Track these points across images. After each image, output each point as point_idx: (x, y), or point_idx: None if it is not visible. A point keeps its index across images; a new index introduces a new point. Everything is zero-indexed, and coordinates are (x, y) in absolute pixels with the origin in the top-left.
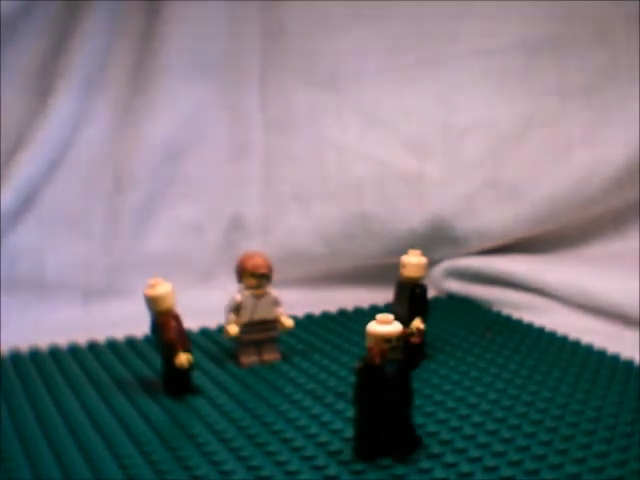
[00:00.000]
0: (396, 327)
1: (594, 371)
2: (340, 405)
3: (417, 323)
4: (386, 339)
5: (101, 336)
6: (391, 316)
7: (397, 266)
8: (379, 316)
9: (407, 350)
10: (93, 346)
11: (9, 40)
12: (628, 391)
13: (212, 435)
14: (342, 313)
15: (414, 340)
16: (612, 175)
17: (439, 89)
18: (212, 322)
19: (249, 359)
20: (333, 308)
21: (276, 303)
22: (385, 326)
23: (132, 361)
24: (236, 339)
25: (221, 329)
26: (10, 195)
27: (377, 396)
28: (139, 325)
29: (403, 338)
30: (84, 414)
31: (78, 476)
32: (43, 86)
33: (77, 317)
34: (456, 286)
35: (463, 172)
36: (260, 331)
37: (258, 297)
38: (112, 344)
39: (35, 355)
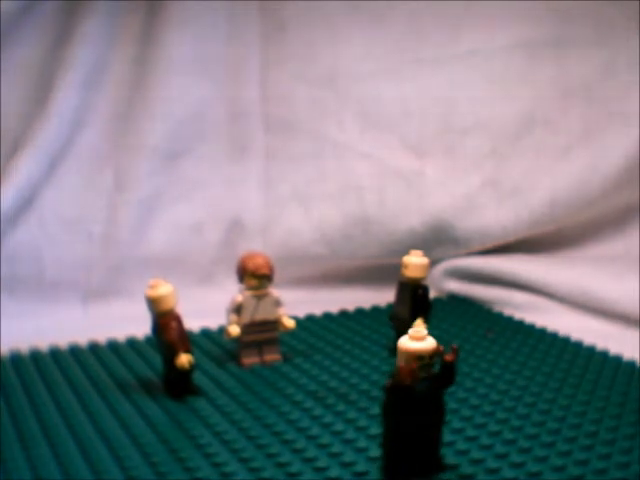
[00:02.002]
0: (429, 343)
1: (596, 372)
2: (341, 406)
3: (419, 324)
4: (419, 356)
5: (101, 337)
6: (425, 331)
7: (398, 266)
8: (412, 331)
9: (440, 368)
10: (93, 347)
11: (9, 39)
12: (630, 392)
13: (213, 436)
14: (343, 314)
15: (448, 358)
16: (612, 175)
17: (439, 89)
18: (213, 323)
19: (250, 360)
20: (334, 309)
21: (278, 303)
22: (418, 342)
23: (133, 362)
24: (237, 340)
25: (222, 330)
26: (10, 195)
27: (406, 416)
28: (140, 325)
29: (437, 355)
30: (84, 415)
31: (78, 477)
32: (43, 85)
33: (77, 317)
34: (457, 286)
35: (463, 172)
36: (261, 332)
37: (259, 298)
38: (113, 345)
39: (35, 356)
